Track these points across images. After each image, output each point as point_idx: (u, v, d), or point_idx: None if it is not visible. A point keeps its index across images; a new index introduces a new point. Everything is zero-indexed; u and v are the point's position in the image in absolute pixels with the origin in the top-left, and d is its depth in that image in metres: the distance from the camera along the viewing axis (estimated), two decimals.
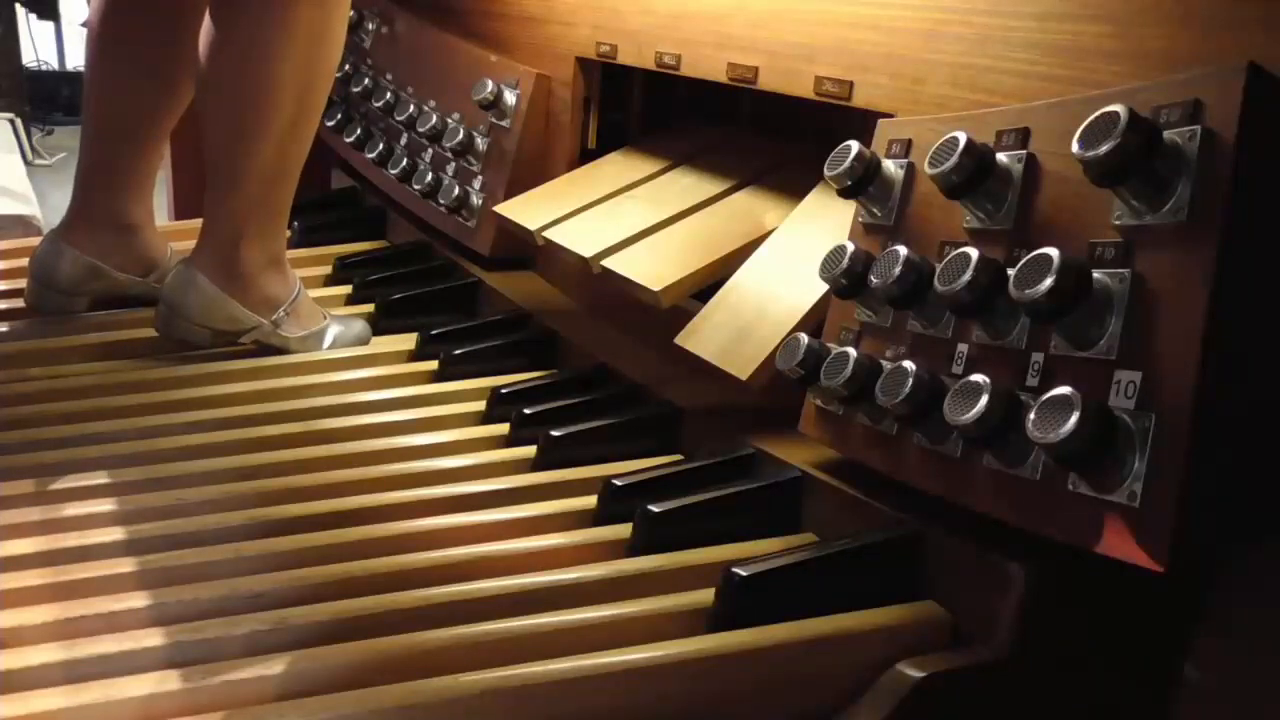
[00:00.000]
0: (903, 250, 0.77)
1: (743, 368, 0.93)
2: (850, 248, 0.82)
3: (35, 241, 1.34)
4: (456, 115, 1.47)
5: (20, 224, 2.03)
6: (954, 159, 0.73)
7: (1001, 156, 0.74)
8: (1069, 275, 0.64)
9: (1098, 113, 0.64)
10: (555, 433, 0.98)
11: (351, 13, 1.22)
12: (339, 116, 1.74)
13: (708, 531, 0.84)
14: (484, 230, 1.40)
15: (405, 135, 1.58)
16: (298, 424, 1.05)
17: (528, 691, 0.65)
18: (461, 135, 1.43)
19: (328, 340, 1.26)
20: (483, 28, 1.53)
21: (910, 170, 0.83)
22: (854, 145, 0.82)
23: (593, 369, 1.13)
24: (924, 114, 0.87)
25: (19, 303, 1.33)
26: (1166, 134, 0.63)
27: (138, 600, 0.73)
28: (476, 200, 1.41)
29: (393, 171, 1.55)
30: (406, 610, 0.73)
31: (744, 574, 0.73)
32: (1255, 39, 0.65)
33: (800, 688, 0.71)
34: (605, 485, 0.88)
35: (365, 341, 1.28)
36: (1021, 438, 0.66)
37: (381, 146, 1.61)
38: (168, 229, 1.49)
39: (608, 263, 1.11)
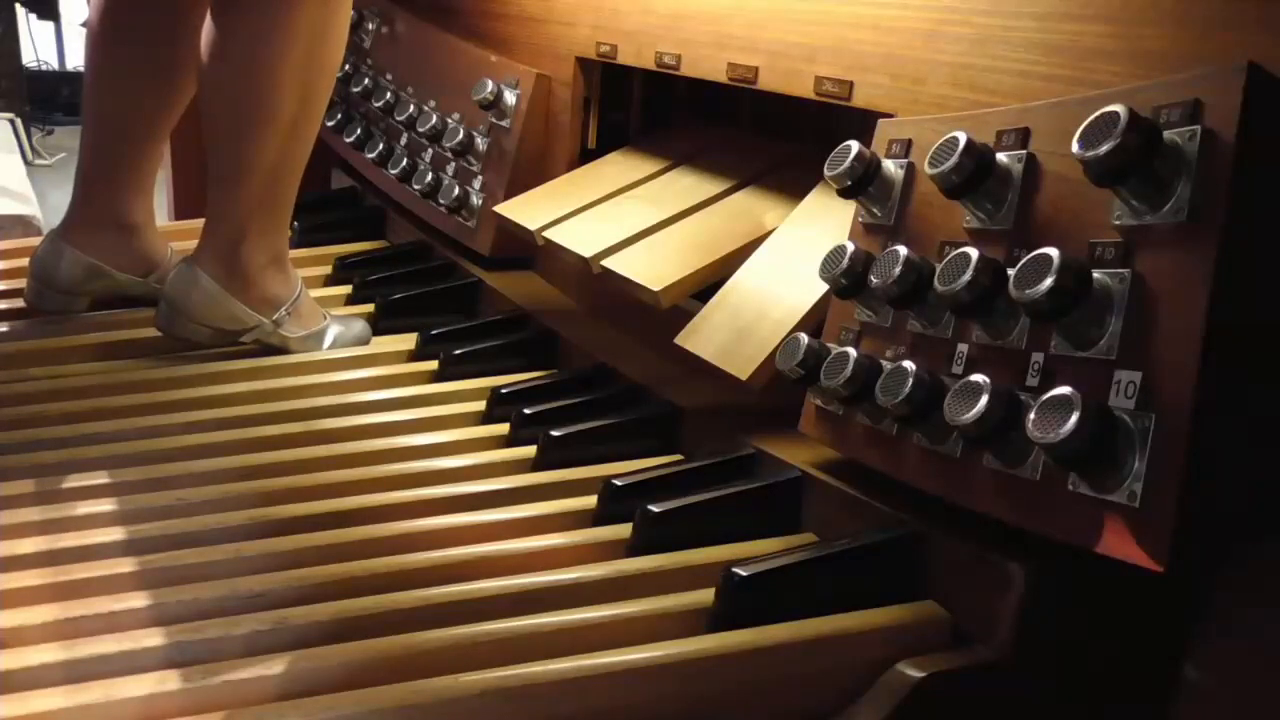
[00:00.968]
0: (903, 250, 0.77)
1: (743, 368, 0.93)
2: (850, 248, 0.82)
3: (35, 241, 1.34)
4: (456, 115, 1.47)
5: (20, 224, 2.03)
6: (954, 159, 0.73)
7: (1001, 156, 0.74)
8: (1069, 275, 0.64)
9: (1098, 113, 0.64)
10: (555, 433, 0.98)
11: (351, 13, 1.22)
12: (339, 116, 1.74)
13: (708, 531, 0.84)
14: (484, 230, 1.40)
15: (405, 135, 1.58)
16: (298, 424, 1.05)
17: (528, 691, 0.65)
18: (461, 135, 1.43)
19: (328, 340, 1.26)
20: (483, 28, 1.53)
21: (910, 170, 0.83)
22: (854, 145, 0.82)
23: (593, 369, 1.13)
24: (924, 114, 0.87)
25: (19, 303, 1.33)
26: (1166, 134, 0.63)
27: (138, 600, 0.73)
28: (476, 200, 1.41)
29: (393, 171, 1.55)
30: (406, 610, 0.73)
31: (744, 574, 0.73)
32: (1255, 39, 0.65)
33: (800, 688, 0.71)
34: (605, 485, 0.88)
35: (365, 342, 1.28)
36: (1021, 438, 0.66)
37: (381, 146, 1.61)
38: (168, 229, 1.49)
39: (608, 263, 1.11)
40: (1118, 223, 0.66)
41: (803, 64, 1.01)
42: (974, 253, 0.71)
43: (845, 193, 0.83)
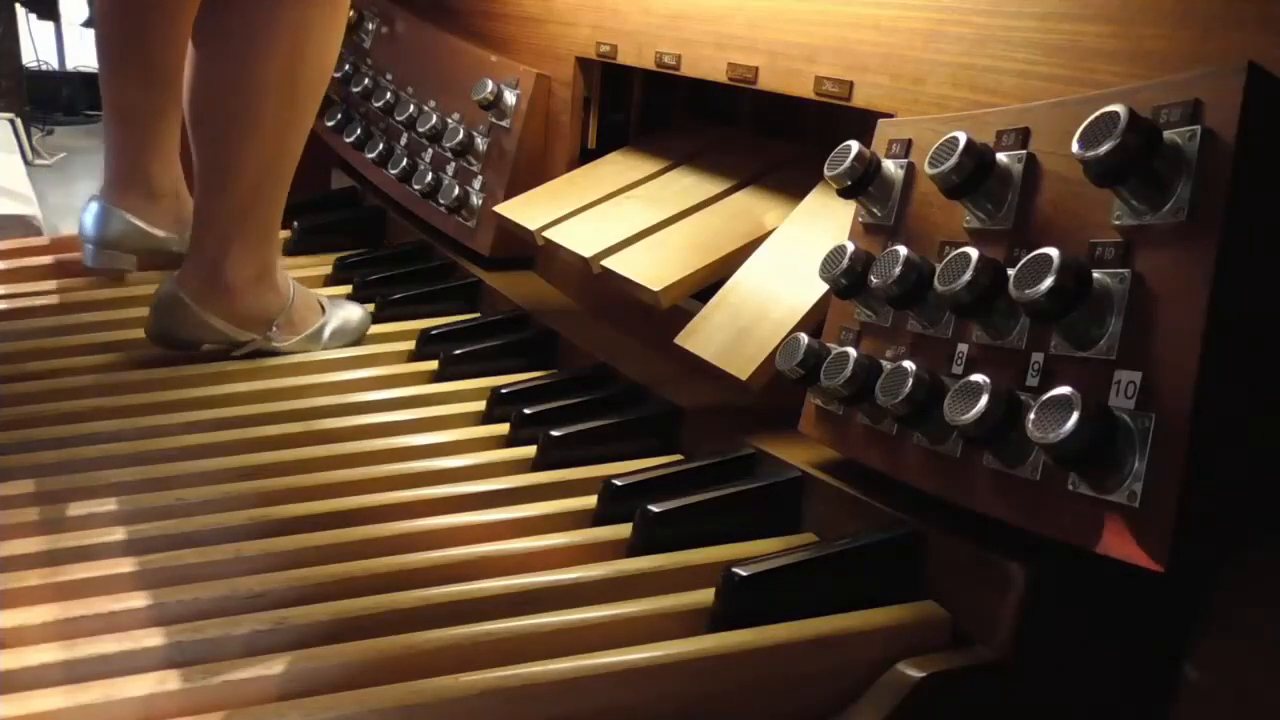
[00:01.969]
0: (903, 250, 0.77)
1: (743, 368, 0.93)
2: (850, 248, 0.82)
3: (35, 241, 1.35)
4: (456, 115, 1.47)
5: (20, 224, 2.03)
6: (954, 159, 0.73)
7: (1001, 156, 0.74)
8: (1069, 275, 0.64)
9: (1098, 113, 0.64)
10: (555, 432, 0.98)
11: (351, 13, 1.22)
12: (339, 116, 1.74)
13: (708, 531, 0.84)
14: (484, 230, 1.40)
15: (405, 135, 1.58)
16: (298, 424, 1.05)
17: (528, 691, 0.65)
18: (461, 135, 1.43)
19: (324, 338, 1.25)
20: (483, 28, 1.54)
21: (910, 170, 0.83)
22: (854, 145, 0.82)
23: (593, 369, 1.13)
24: (924, 114, 0.87)
25: (19, 303, 1.34)
26: (1166, 134, 0.63)
27: (138, 600, 0.73)
28: (476, 200, 1.41)
29: (393, 171, 1.55)
30: (406, 610, 0.73)
31: (744, 574, 0.73)
32: (1255, 39, 0.65)
33: (800, 688, 0.71)
34: (605, 485, 0.88)
35: (365, 329, 1.28)
36: (1021, 438, 0.66)
37: (381, 146, 1.61)
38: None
39: (608, 263, 1.11)
40: (1118, 223, 0.66)
41: (803, 64, 1.01)
42: (974, 253, 0.71)
43: (845, 193, 0.83)
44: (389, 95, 1.61)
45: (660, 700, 0.68)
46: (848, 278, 0.81)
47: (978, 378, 0.69)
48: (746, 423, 0.95)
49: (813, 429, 0.87)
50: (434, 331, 1.24)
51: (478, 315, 1.34)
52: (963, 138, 0.73)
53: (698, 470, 0.91)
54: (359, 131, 1.67)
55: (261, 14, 1.10)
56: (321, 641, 0.70)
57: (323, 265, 1.49)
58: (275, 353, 1.22)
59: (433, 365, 1.19)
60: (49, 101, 4.85)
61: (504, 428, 1.04)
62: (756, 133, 1.33)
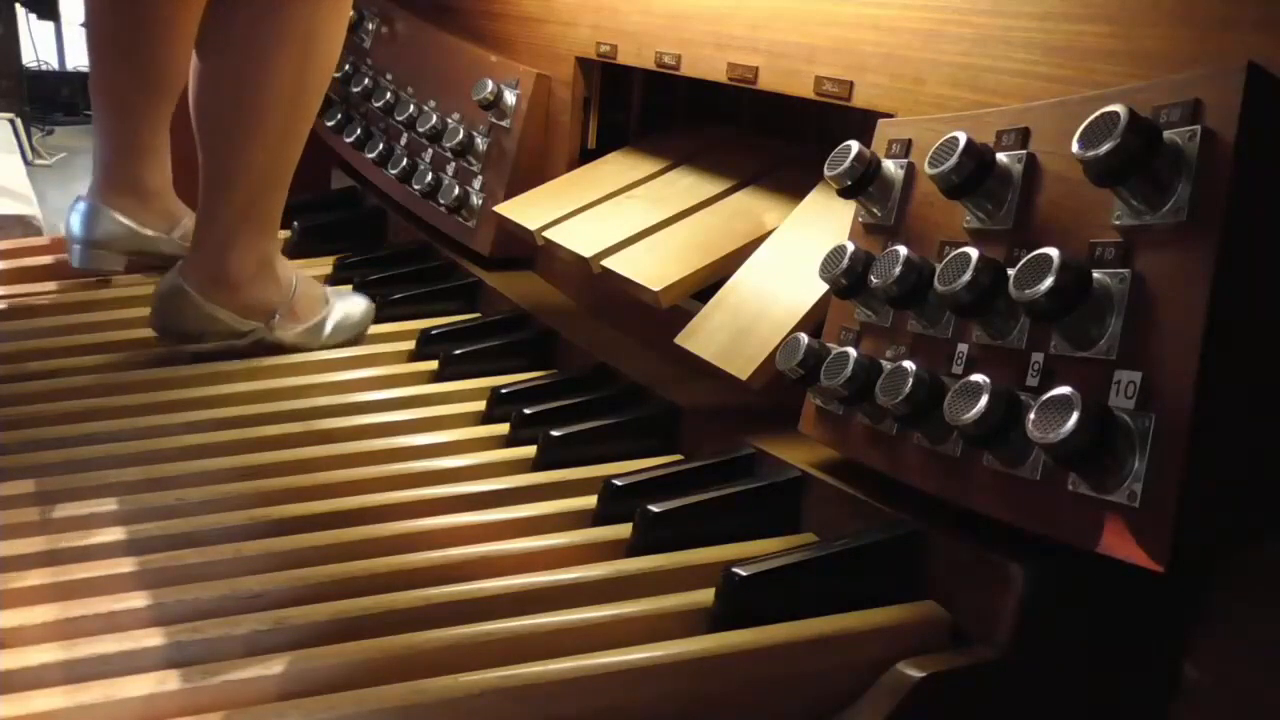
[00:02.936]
0: (903, 250, 0.77)
1: (743, 368, 0.93)
2: (850, 248, 0.82)
3: (35, 241, 1.35)
4: (456, 115, 1.47)
5: (20, 224, 2.03)
6: (954, 159, 0.73)
7: (1001, 156, 0.74)
8: (1069, 275, 0.64)
9: (1098, 113, 0.64)
10: (555, 433, 0.98)
11: (351, 13, 1.22)
12: (339, 116, 1.74)
13: (708, 531, 0.84)
14: (484, 230, 1.40)
15: (405, 135, 1.58)
16: (298, 424, 1.05)
17: (528, 691, 0.65)
18: (461, 135, 1.43)
19: (327, 330, 1.25)
20: (483, 28, 1.54)
21: (910, 170, 0.83)
22: (854, 145, 0.82)
23: (593, 369, 1.13)
24: (924, 114, 0.87)
25: (19, 303, 1.33)
26: (1166, 134, 0.63)
27: (138, 600, 0.73)
28: (476, 200, 1.41)
29: (393, 171, 1.55)
30: (406, 610, 0.73)
31: (744, 574, 0.73)
32: (1255, 39, 0.65)
33: (800, 688, 0.71)
34: (605, 485, 0.88)
35: (369, 321, 1.28)
36: (1021, 438, 0.66)
37: (381, 146, 1.61)
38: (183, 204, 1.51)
39: (608, 263, 1.11)
40: (1118, 223, 0.66)
41: (803, 64, 1.01)
42: (974, 253, 0.71)
43: (845, 193, 0.83)
44: (389, 95, 1.61)
45: (660, 700, 0.68)
46: (848, 278, 0.81)
47: (978, 378, 0.69)
48: (746, 423, 0.95)
49: (813, 429, 0.87)
50: (434, 331, 1.24)
51: (478, 315, 1.34)
52: (963, 138, 0.73)
53: (698, 470, 0.91)
54: (359, 131, 1.67)
55: (270, 21, 1.11)
56: (321, 641, 0.70)
57: (323, 265, 1.49)
58: (278, 344, 1.23)
59: (433, 365, 1.19)
60: (49, 101, 4.85)
61: (504, 428, 1.04)
62: (756, 133, 1.33)
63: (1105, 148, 0.62)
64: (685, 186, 1.22)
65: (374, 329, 1.30)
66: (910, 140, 0.83)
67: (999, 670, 0.69)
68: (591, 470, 0.95)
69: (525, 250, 1.37)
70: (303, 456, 0.98)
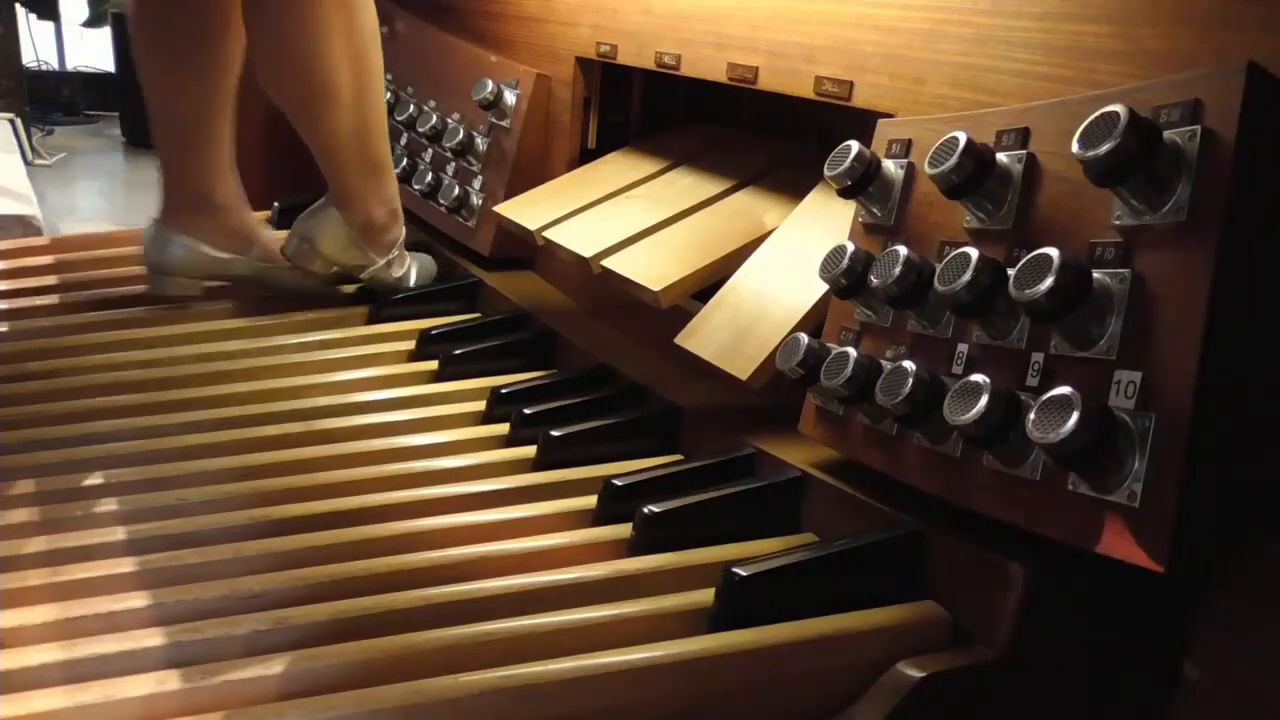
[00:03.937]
0: (903, 250, 0.77)
1: (743, 368, 0.93)
2: (850, 248, 0.82)
3: (35, 241, 1.35)
4: (456, 115, 1.47)
5: (20, 224, 2.04)
6: (954, 159, 0.73)
7: (1001, 156, 0.74)
8: (1069, 275, 0.64)
9: (1098, 113, 0.64)
10: (555, 433, 0.98)
11: None
12: None
13: (708, 531, 0.84)
14: (484, 230, 1.40)
15: (405, 135, 1.58)
16: (298, 424, 1.05)
17: (528, 691, 0.65)
18: (461, 135, 1.43)
19: (413, 278, 1.38)
20: (483, 28, 1.54)
21: (910, 170, 0.83)
22: (854, 145, 0.82)
23: (593, 369, 1.13)
24: (924, 114, 0.87)
25: (19, 302, 1.33)
26: (1166, 134, 0.63)
27: (138, 600, 0.73)
28: (476, 200, 1.41)
29: None
30: (406, 610, 0.73)
31: (744, 574, 0.73)
32: (1255, 39, 0.65)
33: (800, 688, 0.71)
34: (605, 485, 0.88)
35: (433, 275, 1.42)
36: (1021, 438, 0.66)
37: None
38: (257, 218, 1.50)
39: (608, 263, 1.11)
40: (1118, 223, 0.66)
41: (803, 64, 1.01)
42: (974, 253, 0.71)
43: (845, 193, 0.83)
44: (389, 95, 1.61)
45: (660, 700, 0.68)
46: (848, 278, 0.81)
47: (978, 378, 0.69)
48: (746, 423, 0.95)
49: (813, 429, 0.87)
50: (434, 331, 1.24)
51: (478, 315, 1.34)
52: (963, 138, 0.73)
53: (698, 470, 0.91)
54: None
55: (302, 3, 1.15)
56: (321, 641, 0.70)
57: None
58: (388, 282, 1.35)
59: (433, 365, 1.19)
60: (49, 101, 4.85)
61: (504, 428, 1.04)
62: (756, 133, 1.33)
63: (1105, 148, 0.62)
64: (685, 186, 1.23)
65: (374, 329, 1.30)
66: (910, 140, 0.83)
67: (999, 670, 0.69)
68: (591, 470, 0.95)
69: (525, 250, 1.37)
70: (303, 456, 0.98)
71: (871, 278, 0.78)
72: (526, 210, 1.27)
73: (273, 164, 1.61)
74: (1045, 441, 0.62)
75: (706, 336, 0.99)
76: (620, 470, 0.92)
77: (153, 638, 0.69)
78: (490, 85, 1.38)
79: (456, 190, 1.43)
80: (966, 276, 0.70)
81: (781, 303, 0.95)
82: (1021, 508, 0.69)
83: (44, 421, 1.04)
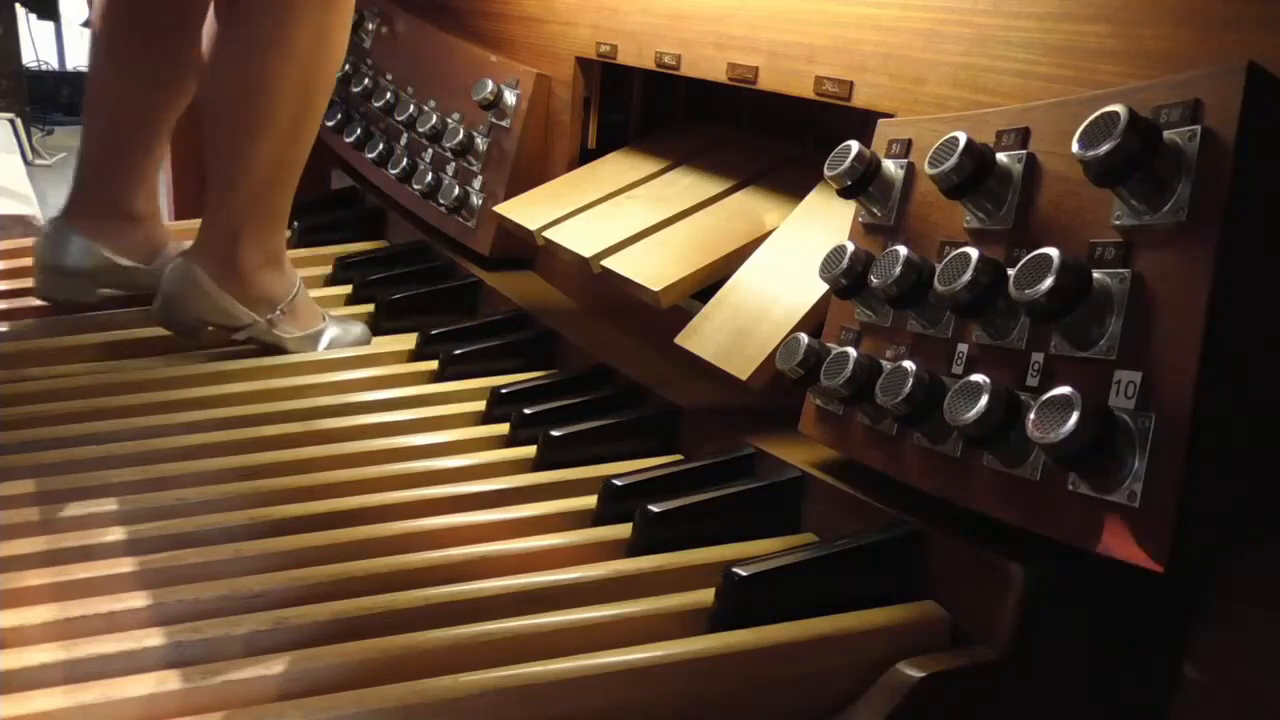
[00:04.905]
0: (903, 250, 0.77)
1: (743, 368, 0.93)
2: (850, 248, 0.82)
3: (36, 241, 1.34)
4: (456, 115, 1.47)
5: (20, 224, 2.03)
6: (954, 159, 0.73)
7: (1001, 156, 0.74)
8: (1069, 275, 0.64)
9: (1098, 113, 0.63)
10: (555, 433, 0.98)
11: (353, 16, 1.22)
12: (339, 116, 1.74)
13: (708, 531, 0.84)
14: (484, 230, 1.40)
15: (405, 135, 1.58)
16: (298, 424, 1.05)
17: (528, 691, 0.65)
18: (461, 135, 1.43)
19: (323, 343, 1.25)
20: (483, 28, 1.54)
21: (910, 170, 0.83)
22: (854, 145, 0.82)
23: (593, 369, 1.13)
24: (924, 114, 0.87)
25: (19, 302, 1.33)
26: (1166, 134, 0.63)
27: (138, 600, 0.73)
28: (476, 200, 1.41)
29: (393, 171, 1.55)
30: (406, 610, 0.73)
31: (744, 574, 0.73)
32: (1255, 39, 0.65)
33: (800, 688, 0.71)
34: (605, 485, 0.88)
35: (364, 345, 1.28)
36: (1021, 438, 0.66)
37: (381, 146, 1.61)
38: (169, 229, 1.49)
39: (608, 263, 1.11)
40: (1118, 223, 0.66)
41: (803, 64, 1.01)
42: (974, 253, 0.71)
43: (845, 193, 0.83)
44: (389, 95, 1.61)
45: (660, 700, 0.68)
46: (848, 278, 0.81)
47: (978, 378, 0.69)
48: (746, 423, 0.95)
49: (813, 429, 0.87)
50: (434, 331, 1.24)
51: (478, 315, 1.34)
52: (963, 138, 0.73)
53: (698, 470, 0.91)
54: (359, 131, 1.67)
55: (277, 23, 1.11)
56: (321, 641, 0.70)
57: (323, 265, 1.49)
58: (276, 343, 1.23)
59: (433, 365, 1.19)
60: (49, 101, 4.86)
61: (504, 428, 1.04)
62: (756, 133, 1.33)
63: (1105, 148, 0.62)
64: (685, 186, 1.22)
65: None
66: (910, 140, 0.83)
67: (999, 670, 0.69)
68: (591, 470, 0.95)
69: (525, 250, 1.37)
70: (302, 456, 0.98)
71: (871, 278, 0.78)
72: (526, 210, 1.27)
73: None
74: (1045, 441, 0.62)
75: (706, 336, 0.99)
76: (620, 470, 0.92)
77: (153, 638, 0.69)
78: (490, 85, 1.38)
79: (456, 190, 1.43)
80: (966, 276, 0.70)
81: (781, 303, 0.95)
82: (1021, 508, 0.69)
83: (44, 421, 1.04)
